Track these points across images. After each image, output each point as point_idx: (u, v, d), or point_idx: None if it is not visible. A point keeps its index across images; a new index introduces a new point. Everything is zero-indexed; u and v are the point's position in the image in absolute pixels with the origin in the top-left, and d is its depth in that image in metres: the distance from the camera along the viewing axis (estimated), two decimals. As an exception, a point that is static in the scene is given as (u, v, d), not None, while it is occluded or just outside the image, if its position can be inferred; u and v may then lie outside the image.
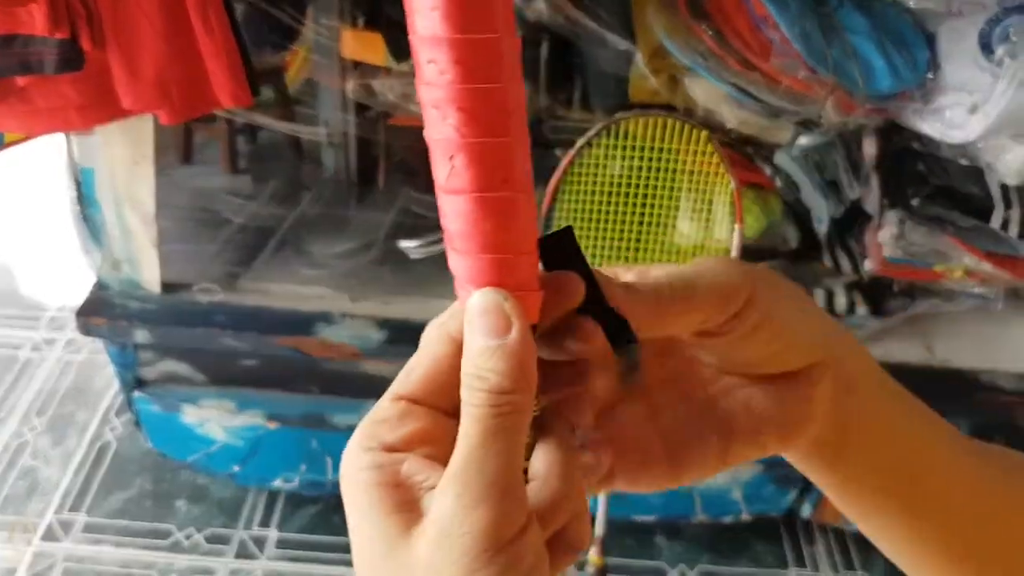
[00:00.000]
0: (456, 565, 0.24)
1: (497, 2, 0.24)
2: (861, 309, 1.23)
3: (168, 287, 1.26)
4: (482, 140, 0.25)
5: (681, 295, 0.29)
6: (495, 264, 0.26)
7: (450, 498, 0.24)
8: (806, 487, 1.39)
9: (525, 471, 0.27)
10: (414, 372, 0.28)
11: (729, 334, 0.31)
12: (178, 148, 1.58)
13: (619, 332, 0.28)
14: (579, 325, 0.28)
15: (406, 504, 0.25)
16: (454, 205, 0.26)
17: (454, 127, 0.25)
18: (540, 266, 0.28)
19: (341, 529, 1.47)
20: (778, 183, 1.16)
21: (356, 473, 0.26)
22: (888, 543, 0.37)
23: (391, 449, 0.27)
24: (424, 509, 0.25)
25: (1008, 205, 1.15)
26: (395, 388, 0.28)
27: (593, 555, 1.12)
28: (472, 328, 0.26)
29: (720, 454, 0.33)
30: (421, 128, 0.26)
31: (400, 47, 1.18)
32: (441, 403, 0.28)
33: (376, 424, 0.27)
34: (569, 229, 0.29)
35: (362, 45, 1.21)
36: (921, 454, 0.35)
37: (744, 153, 1.17)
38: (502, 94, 0.25)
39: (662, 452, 0.33)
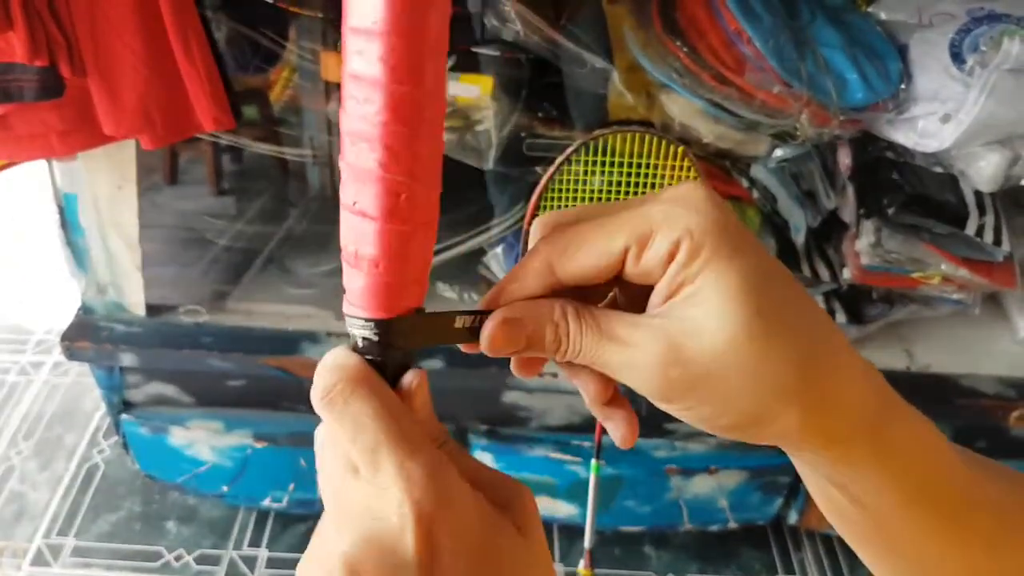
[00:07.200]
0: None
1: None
2: (840, 317, 1.25)
3: (153, 309, 1.26)
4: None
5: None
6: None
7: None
8: (792, 494, 1.40)
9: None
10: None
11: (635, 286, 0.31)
12: (163, 169, 1.58)
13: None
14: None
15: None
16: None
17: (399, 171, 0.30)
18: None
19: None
20: (755, 195, 1.17)
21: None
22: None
23: None
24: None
25: (982, 212, 1.17)
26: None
27: (582, 567, 1.13)
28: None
29: None
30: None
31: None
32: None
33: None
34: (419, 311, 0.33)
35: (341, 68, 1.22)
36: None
37: (721, 166, 1.18)
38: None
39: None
